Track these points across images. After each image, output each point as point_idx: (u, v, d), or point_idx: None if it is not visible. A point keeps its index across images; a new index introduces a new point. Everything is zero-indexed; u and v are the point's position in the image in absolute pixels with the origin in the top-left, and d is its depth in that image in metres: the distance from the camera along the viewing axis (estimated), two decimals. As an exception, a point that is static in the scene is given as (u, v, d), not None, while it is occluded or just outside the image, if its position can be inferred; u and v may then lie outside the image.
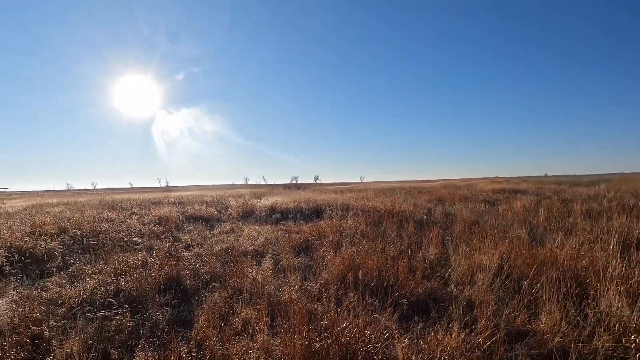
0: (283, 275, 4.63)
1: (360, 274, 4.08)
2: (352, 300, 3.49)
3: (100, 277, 4.62)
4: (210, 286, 4.34)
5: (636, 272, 3.07)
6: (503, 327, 2.76)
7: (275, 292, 3.92)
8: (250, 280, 4.24)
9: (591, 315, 3.00)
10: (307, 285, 4.26)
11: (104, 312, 3.57)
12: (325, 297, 3.71)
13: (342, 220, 8.87)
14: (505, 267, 4.27)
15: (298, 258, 5.58)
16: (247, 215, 12.00)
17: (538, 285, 3.48)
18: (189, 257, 5.91)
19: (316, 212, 11.64)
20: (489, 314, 3.02)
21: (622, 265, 3.46)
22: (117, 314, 3.55)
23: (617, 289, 2.96)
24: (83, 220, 8.73)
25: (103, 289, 4.20)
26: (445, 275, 4.43)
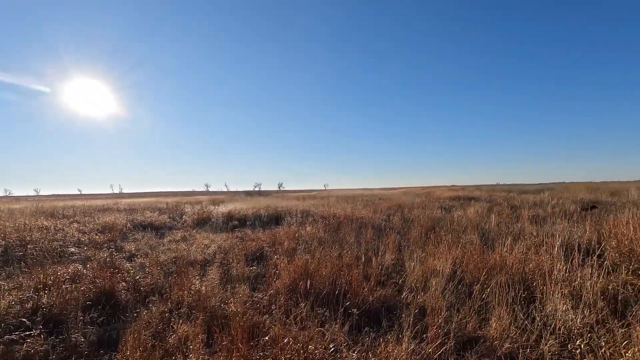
0: (231, 285, 4.31)
1: (312, 282, 3.89)
2: (302, 310, 3.28)
3: (18, 293, 4.03)
4: (148, 300, 3.92)
5: (578, 275, 3.14)
6: (454, 334, 2.68)
7: (219, 305, 3.60)
8: (193, 292, 3.88)
9: (538, 319, 3.00)
10: (257, 295, 3.98)
11: (13, 335, 3.06)
12: (275, 308, 3.46)
13: (300, 227, 8.65)
14: (458, 272, 4.27)
15: (250, 267, 5.27)
16: (202, 222, 11.42)
17: (488, 289, 3.47)
18: (130, 268, 5.39)
19: (275, 219, 11.33)
20: (440, 321, 2.94)
21: (566, 268, 3.54)
22: (29, 336, 3.06)
23: (562, 292, 2.99)
24: (11, 229, 7.80)
25: (18, 307, 3.65)
26: (400, 282, 4.35)
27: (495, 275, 3.89)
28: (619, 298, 3.18)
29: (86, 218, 11.58)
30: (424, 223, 8.76)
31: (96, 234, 8.26)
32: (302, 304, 3.45)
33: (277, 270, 4.65)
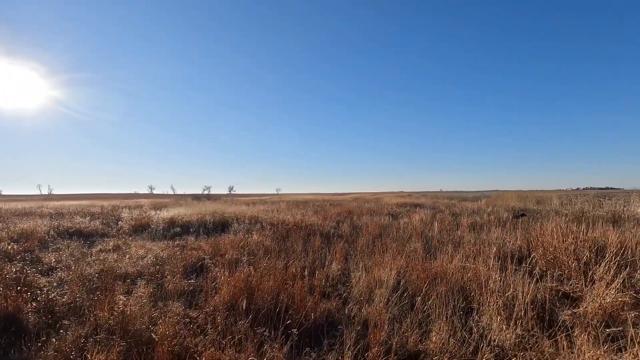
0: (164, 303, 3.93)
1: (254, 297, 3.67)
2: (241, 330, 3.05)
3: None
4: (59, 324, 3.40)
5: (511, 285, 3.29)
6: (395, 351, 2.63)
7: (147, 327, 3.23)
8: (117, 312, 3.45)
9: (475, 330, 3.08)
10: (192, 314, 3.65)
11: None
12: (211, 328, 3.18)
13: (247, 235, 8.33)
14: (402, 282, 4.30)
15: (189, 280, 4.89)
16: (141, 229, 10.58)
17: (430, 301, 3.51)
18: (45, 284, 4.73)
19: (222, 226, 10.83)
20: (382, 337, 2.88)
21: (500, 278, 3.70)
22: None
23: (497, 302, 3.09)
24: None
25: None
26: (345, 294, 4.28)
27: (437, 285, 3.97)
28: (546, 307, 3.37)
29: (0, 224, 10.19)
30: (371, 230, 8.88)
31: (9, 244, 7.23)
32: (242, 322, 3.22)
33: (217, 284, 4.34)
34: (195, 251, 6.55)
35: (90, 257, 6.53)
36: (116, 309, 3.49)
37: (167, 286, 4.52)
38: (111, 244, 7.90)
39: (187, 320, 3.46)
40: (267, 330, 3.07)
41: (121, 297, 3.97)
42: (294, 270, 5.14)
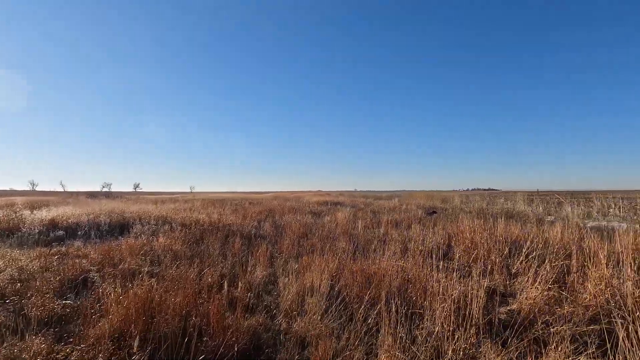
0: (19, 336, 2.81)
1: (155, 320, 2.82)
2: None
3: None
4: None
5: (456, 287, 3.09)
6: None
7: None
8: None
9: (420, 338, 2.76)
10: (62, 351, 2.64)
11: None
12: (88, 372, 2.28)
13: (152, 238, 7.09)
14: (336, 287, 3.86)
15: (64, 300, 3.73)
16: (8, 234, 8.35)
17: (372, 311, 3.11)
18: None
19: (121, 228, 9.18)
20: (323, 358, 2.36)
21: (440, 277, 3.51)
22: None
23: (442, 306, 2.82)
24: None
25: None
26: (273, 305, 3.67)
27: (374, 288, 3.62)
28: (481, 305, 3.25)
29: None
30: (296, 230, 8.39)
31: None
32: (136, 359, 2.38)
33: (103, 304, 3.32)
34: (79, 260, 5.20)
35: None
36: None
37: (30, 311, 3.33)
38: (-46, 254, 5.92)
39: (53, 361, 2.47)
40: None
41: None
42: (210, 280, 4.34)
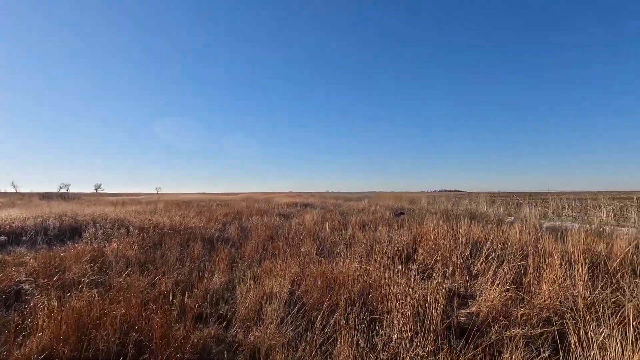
0: None
1: (92, 336, 2.54)
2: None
3: None
4: None
5: (412, 289, 3.03)
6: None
7: None
8: None
9: (380, 346, 2.67)
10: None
11: None
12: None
13: (105, 243, 6.62)
14: (297, 293, 3.72)
15: (-10, 316, 3.32)
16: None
17: (331, 318, 2.99)
18: None
19: (72, 232, 8.54)
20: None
21: (401, 281, 3.45)
22: None
23: (402, 312, 2.75)
24: None
25: None
26: (229, 313, 3.46)
27: (336, 293, 3.50)
28: (441, 309, 3.23)
29: None
30: (261, 233, 8.16)
31: None
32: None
33: (35, 320, 2.98)
34: (15, 269, 4.71)
35: None
36: None
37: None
38: None
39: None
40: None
41: None
42: (164, 288, 4.06)
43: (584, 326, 2.37)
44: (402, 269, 4.30)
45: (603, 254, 4.30)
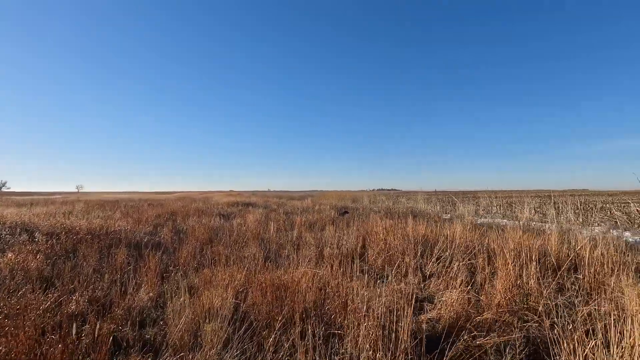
0: None
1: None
2: None
3: None
4: None
5: (382, 300, 2.74)
6: None
7: None
8: None
9: (341, 367, 2.33)
10: None
11: None
12: None
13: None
14: (242, 307, 3.23)
15: None
16: None
17: (285, 336, 2.57)
18: None
19: (-45, 240, 6.92)
20: None
21: (363, 290, 3.14)
22: None
23: (366, 325, 2.44)
24: None
25: None
26: (157, 340, 2.85)
27: (288, 305, 3.09)
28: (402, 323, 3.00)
29: None
30: (199, 235, 7.40)
31: None
32: None
33: None
34: None
35: None
36: None
37: None
38: None
39: None
40: None
41: None
42: (74, 308, 3.30)
43: (552, 330, 2.27)
44: (356, 272, 4.03)
45: (550, 251, 4.47)
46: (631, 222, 9.22)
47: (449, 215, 12.14)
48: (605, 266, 3.61)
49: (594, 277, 3.53)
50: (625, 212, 10.73)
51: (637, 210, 9.45)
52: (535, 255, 4.37)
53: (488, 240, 5.21)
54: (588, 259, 3.77)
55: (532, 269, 3.46)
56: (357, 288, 3.11)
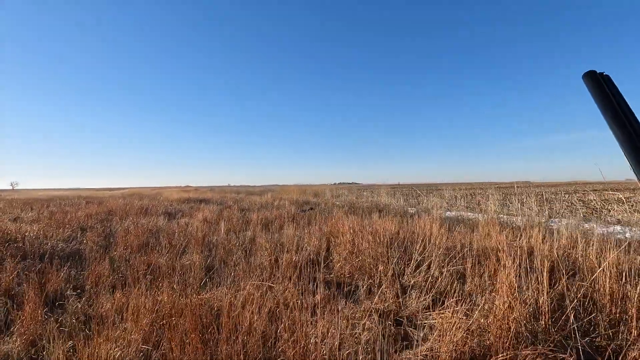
0: None
1: None
2: None
3: None
4: None
5: (361, 340, 1.86)
6: None
7: None
8: None
9: None
10: None
11: None
12: None
13: None
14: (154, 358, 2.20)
15: None
16: None
17: None
18: None
19: None
20: None
21: (328, 325, 2.25)
22: None
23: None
24: None
25: None
26: None
27: (222, 351, 2.12)
28: (376, 347, 2.15)
29: None
30: (132, 240, 6.12)
31: None
32: None
33: None
34: None
35: None
36: None
37: None
38: None
39: None
40: None
41: None
42: None
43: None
44: (320, 288, 3.15)
45: (543, 251, 3.85)
46: (595, 213, 9.20)
47: (414, 209, 11.66)
48: (624, 275, 2.98)
49: (608, 287, 2.89)
50: (585, 203, 10.85)
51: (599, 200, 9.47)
52: (530, 257, 3.74)
53: (470, 240, 4.55)
54: (600, 263, 3.16)
55: (545, 278, 2.73)
56: (320, 324, 2.19)
